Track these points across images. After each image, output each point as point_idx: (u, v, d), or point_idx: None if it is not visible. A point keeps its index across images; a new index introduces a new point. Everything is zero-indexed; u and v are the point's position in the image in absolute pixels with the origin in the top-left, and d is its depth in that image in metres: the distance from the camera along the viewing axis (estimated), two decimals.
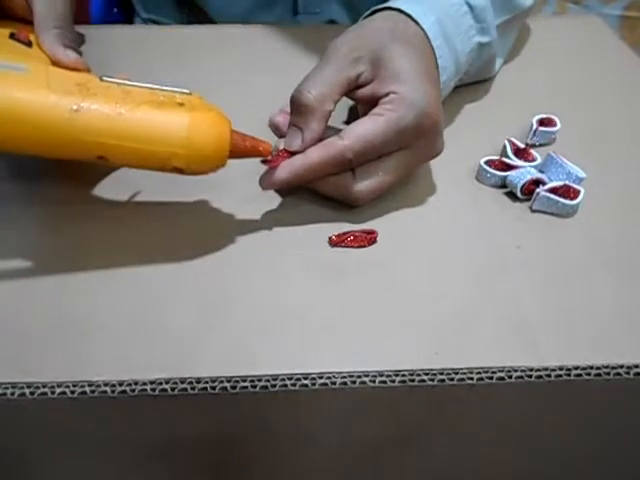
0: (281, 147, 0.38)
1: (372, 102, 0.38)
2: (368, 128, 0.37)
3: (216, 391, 0.30)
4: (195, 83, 0.51)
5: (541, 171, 0.42)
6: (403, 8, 0.41)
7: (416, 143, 0.38)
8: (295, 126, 0.38)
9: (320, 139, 0.37)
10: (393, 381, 0.30)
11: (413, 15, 0.41)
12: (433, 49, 0.41)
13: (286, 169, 0.37)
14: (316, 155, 0.37)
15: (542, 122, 0.46)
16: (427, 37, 0.41)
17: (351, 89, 0.39)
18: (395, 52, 0.39)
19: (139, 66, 0.54)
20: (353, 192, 0.38)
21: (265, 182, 0.37)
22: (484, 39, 0.46)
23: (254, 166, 0.43)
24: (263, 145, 0.36)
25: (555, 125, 0.46)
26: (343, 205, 0.40)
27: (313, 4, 0.62)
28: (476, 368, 0.31)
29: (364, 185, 0.38)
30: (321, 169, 0.37)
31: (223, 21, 0.63)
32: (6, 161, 0.43)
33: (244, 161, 0.43)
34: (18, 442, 0.32)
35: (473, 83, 0.51)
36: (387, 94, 0.37)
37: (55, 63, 0.38)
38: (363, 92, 0.39)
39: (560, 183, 0.40)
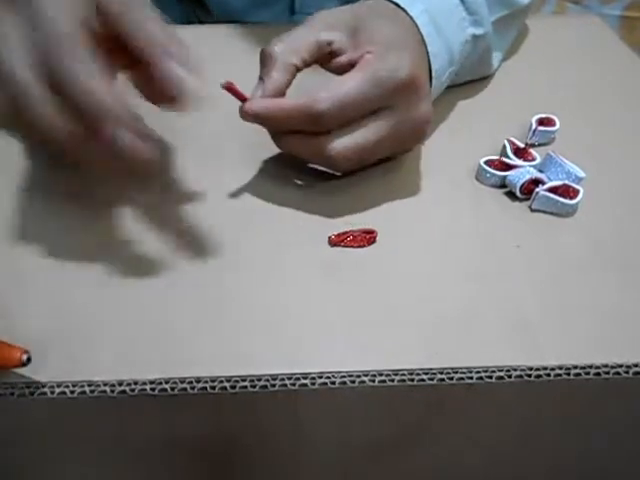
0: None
1: (349, 70, 0.38)
2: (344, 80, 0.36)
3: (215, 391, 0.30)
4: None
5: (540, 171, 0.42)
6: None
7: (396, 102, 0.37)
8: (260, 79, 0.38)
9: (282, 93, 0.38)
10: (392, 380, 0.30)
11: (401, 4, 0.41)
12: (422, 35, 0.41)
13: (256, 103, 0.37)
14: (291, 100, 0.37)
15: (541, 122, 0.46)
16: (415, 24, 0.41)
17: (323, 54, 0.39)
18: (374, 22, 0.39)
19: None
20: (327, 149, 0.37)
21: (241, 112, 0.37)
22: (478, 31, 0.46)
23: (255, 168, 0.43)
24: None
25: (554, 125, 0.46)
26: (343, 204, 0.40)
27: (310, 4, 0.62)
28: (475, 367, 0.31)
29: (340, 143, 0.37)
30: (290, 114, 0.36)
31: (222, 15, 0.63)
32: None
33: (243, 162, 0.43)
34: (18, 442, 0.32)
35: (472, 81, 0.52)
36: (362, 55, 0.37)
37: None
38: (339, 60, 0.39)
39: (559, 183, 0.40)
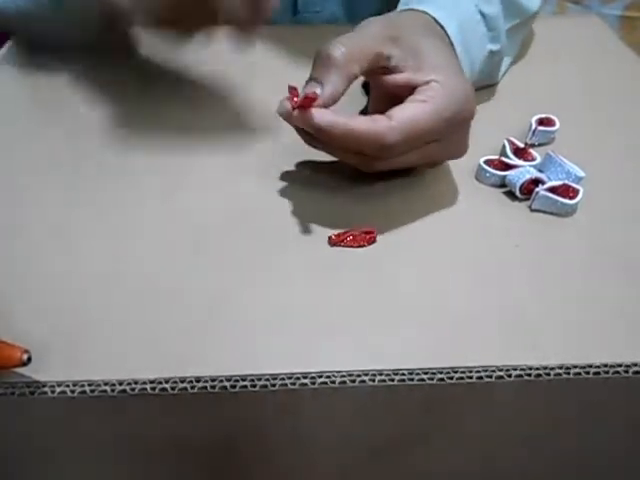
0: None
1: (405, 90, 0.37)
2: (416, 113, 0.35)
3: (216, 390, 0.30)
4: (195, 83, 0.52)
5: (540, 170, 0.42)
6: (429, 11, 0.41)
7: (450, 137, 0.38)
8: (315, 80, 0.36)
9: (337, 100, 0.36)
10: (392, 380, 0.30)
11: (439, 20, 0.41)
12: (456, 54, 0.41)
13: (327, 118, 0.34)
14: (362, 123, 0.35)
15: (541, 122, 0.46)
16: (451, 43, 0.41)
17: (376, 68, 0.38)
18: (432, 45, 0.39)
19: (138, 66, 0.54)
20: (379, 167, 0.38)
21: (298, 119, 0.35)
22: (495, 47, 0.47)
23: (255, 167, 0.43)
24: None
25: (554, 125, 0.46)
26: (343, 204, 0.40)
27: (313, 3, 0.62)
28: (475, 367, 0.31)
29: (391, 163, 0.37)
30: (358, 139, 0.35)
31: None
32: None
33: (243, 162, 0.43)
34: (18, 442, 0.32)
35: None
36: (428, 82, 0.37)
37: None
38: (396, 78, 0.38)
39: (559, 182, 0.40)
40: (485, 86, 0.52)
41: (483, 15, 0.45)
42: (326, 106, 0.35)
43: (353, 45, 0.36)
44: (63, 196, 0.40)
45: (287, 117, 0.36)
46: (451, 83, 0.37)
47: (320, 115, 0.35)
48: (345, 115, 0.35)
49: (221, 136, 0.46)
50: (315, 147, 0.39)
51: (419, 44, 0.38)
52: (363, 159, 0.37)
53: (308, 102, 0.35)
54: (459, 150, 0.40)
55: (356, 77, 0.37)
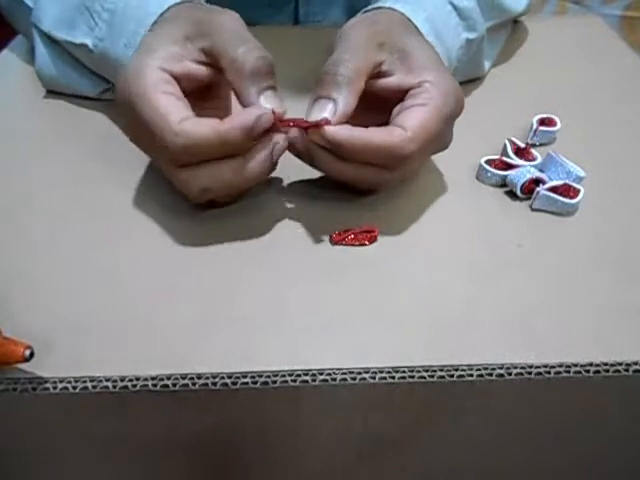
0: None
1: (395, 93, 0.38)
2: (422, 118, 0.35)
3: (217, 387, 0.30)
4: None
5: (541, 170, 0.42)
6: (396, 7, 0.42)
7: (449, 132, 0.39)
8: (326, 98, 0.35)
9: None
10: (393, 377, 0.30)
11: (406, 13, 0.41)
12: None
13: (346, 131, 0.34)
14: (379, 136, 0.35)
15: (542, 122, 0.46)
16: (421, 34, 0.41)
17: (371, 76, 0.38)
18: (416, 43, 0.39)
19: None
20: (394, 182, 0.38)
21: (315, 137, 0.35)
22: (472, 35, 0.47)
23: None
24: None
25: (555, 125, 0.46)
26: (344, 203, 0.40)
27: (314, 12, 0.62)
28: (476, 365, 0.31)
29: (403, 175, 0.37)
30: (377, 150, 0.35)
31: None
32: None
33: None
34: (19, 438, 0.32)
35: (473, 82, 0.52)
36: (420, 84, 0.37)
37: None
38: (387, 82, 0.38)
39: (560, 182, 0.40)
40: (482, 79, 0.52)
41: (454, 6, 0.46)
42: (339, 124, 0.35)
43: (357, 60, 0.36)
44: (65, 197, 0.40)
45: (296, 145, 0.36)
46: (442, 81, 0.37)
47: (337, 130, 0.34)
48: (359, 128, 0.35)
49: None
50: (322, 169, 0.38)
51: (404, 45, 0.38)
52: (385, 176, 0.37)
53: (320, 126, 0.34)
54: (447, 142, 0.40)
55: (362, 91, 0.36)
